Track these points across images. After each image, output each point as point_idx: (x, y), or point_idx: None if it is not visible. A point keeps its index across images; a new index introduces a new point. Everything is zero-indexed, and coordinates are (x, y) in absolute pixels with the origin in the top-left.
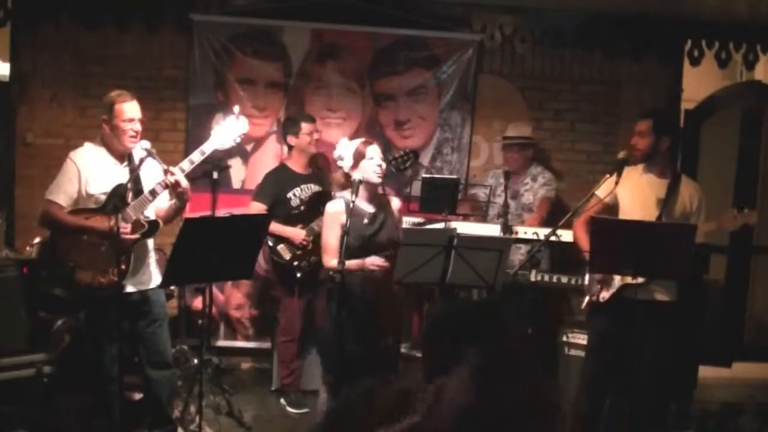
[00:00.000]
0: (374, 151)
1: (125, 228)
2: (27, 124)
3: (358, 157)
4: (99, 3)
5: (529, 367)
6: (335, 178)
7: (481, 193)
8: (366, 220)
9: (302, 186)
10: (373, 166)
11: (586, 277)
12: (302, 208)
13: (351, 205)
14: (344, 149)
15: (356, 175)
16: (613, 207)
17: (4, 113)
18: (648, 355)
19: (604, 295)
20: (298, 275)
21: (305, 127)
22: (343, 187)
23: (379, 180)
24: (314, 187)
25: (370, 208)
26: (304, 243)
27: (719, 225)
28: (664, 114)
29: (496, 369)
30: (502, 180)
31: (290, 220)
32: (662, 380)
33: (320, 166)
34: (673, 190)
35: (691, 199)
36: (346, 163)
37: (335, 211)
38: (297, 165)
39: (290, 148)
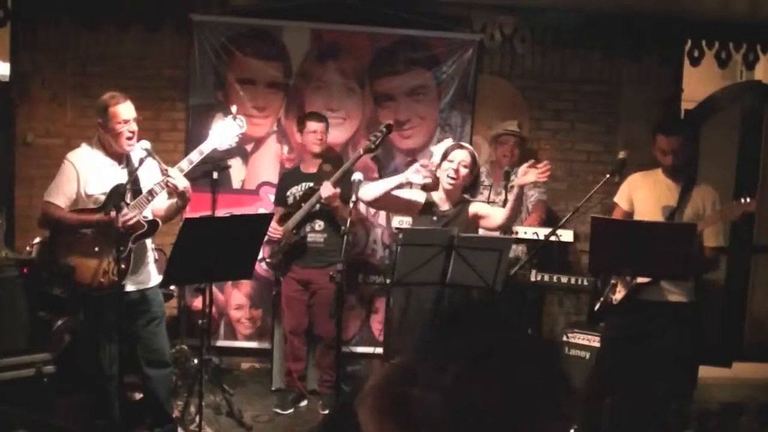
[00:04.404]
0: (456, 155)
1: (126, 216)
2: (27, 124)
3: (443, 157)
4: (99, 3)
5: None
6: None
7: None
8: (435, 218)
9: (302, 184)
10: (448, 168)
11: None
12: (293, 205)
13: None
14: (438, 146)
15: (438, 174)
16: (631, 214)
17: (4, 113)
18: (662, 355)
19: (617, 297)
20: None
21: (308, 125)
22: (434, 184)
23: (449, 186)
24: (308, 185)
25: (444, 206)
26: (277, 235)
27: (720, 218)
28: (676, 119)
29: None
30: (483, 179)
31: (284, 217)
32: (677, 380)
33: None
34: (685, 195)
35: (705, 203)
36: (434, 160)
37: (414, 196)
38: (305, 164)
39: None
